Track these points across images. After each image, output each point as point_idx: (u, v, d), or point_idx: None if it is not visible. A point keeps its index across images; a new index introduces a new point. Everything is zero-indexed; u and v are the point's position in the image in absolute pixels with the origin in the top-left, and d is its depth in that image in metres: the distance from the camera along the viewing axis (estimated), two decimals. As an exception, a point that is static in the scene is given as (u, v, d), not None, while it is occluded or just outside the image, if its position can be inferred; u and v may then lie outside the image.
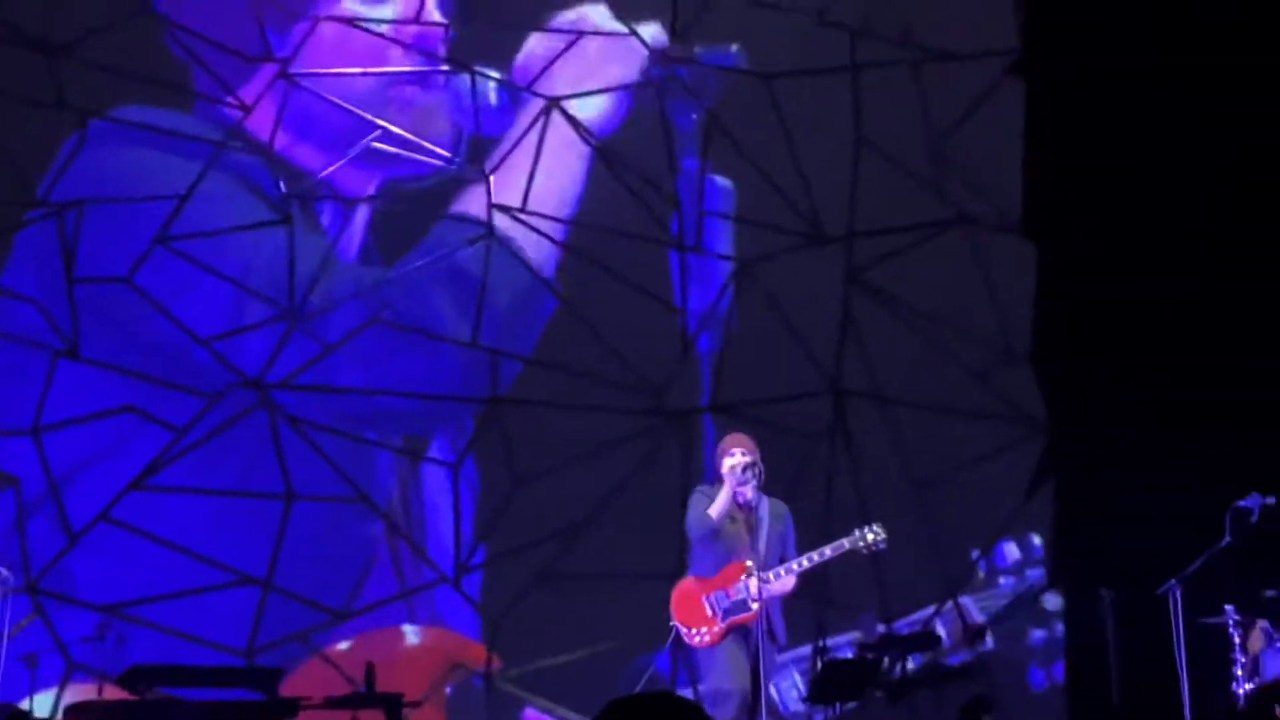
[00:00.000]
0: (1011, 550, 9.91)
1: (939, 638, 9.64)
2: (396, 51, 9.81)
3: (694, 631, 7.96)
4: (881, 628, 9.69)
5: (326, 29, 9.73)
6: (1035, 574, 9.87)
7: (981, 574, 9.90)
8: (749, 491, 8.05)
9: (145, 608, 9.22)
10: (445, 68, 9.87)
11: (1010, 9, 10.02)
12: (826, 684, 8.40)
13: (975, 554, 9.83)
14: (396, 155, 9.71)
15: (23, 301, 9.37)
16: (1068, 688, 9.74)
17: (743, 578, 7.89)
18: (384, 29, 9.79)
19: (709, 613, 7.93)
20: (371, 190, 9.84)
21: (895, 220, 9.97)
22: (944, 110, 10.03)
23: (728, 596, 7.93)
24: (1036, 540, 9.92)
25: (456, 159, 9.82)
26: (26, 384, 9.26)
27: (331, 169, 9.73)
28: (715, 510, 7.92)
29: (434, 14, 9.89)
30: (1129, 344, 9.78)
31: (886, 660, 8.84)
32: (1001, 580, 9.93)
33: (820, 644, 9.50)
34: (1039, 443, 9.92)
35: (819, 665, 9.25)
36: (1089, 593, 9.14)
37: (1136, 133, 9.90)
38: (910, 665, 8.96)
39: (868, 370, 9.96)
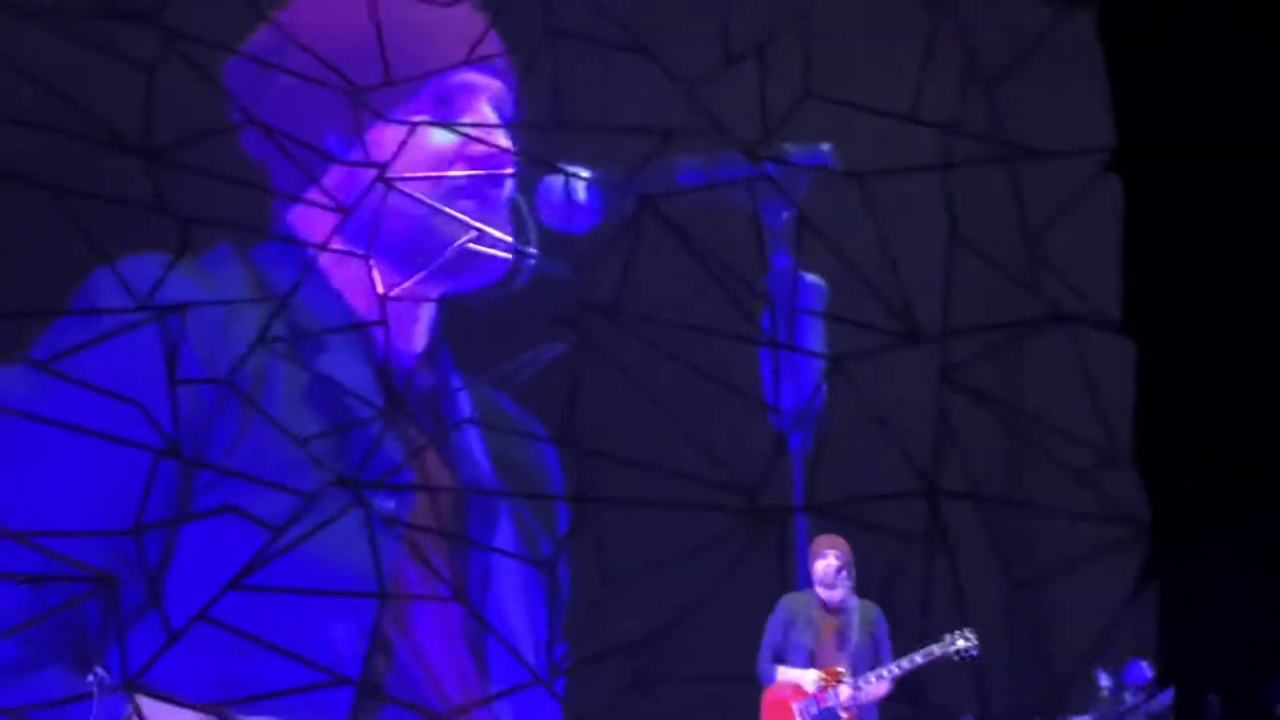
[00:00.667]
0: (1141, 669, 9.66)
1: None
2: (469, 153, 9.90)
3: (783, 739, 7.86)
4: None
5: (401, 132, 9.82)
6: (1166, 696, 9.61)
7: (1104, 692, 9.68)
8: (840, 594, 7.96)
9: (242, 707, 9.28)
10: (534, 166, 9.95)
11: (1104, 105, 9.95)
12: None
13: (1102, 677, 9.59)
14: (471, 257, 9.80)
15: (125, 402, 9.52)
16: (1175, 796, 9.48)
17: (833, 685, 7.77)
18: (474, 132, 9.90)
19: (798, 720, 7.84)
20: (441, 291, 9.89)
21: (991, 318, 9.90)
22: (1039, 207, 9.98)
23: (818, 704, 7.82)
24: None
25: (545, 258, 9.89)
26: (127, 484, 9.39)
27: (430, 269, 9.83)
28: (779, 675, 7.84)
29: (490, 116, 9.94)
30: (1233, 443, 9.58)
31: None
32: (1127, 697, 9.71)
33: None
34: (1142, 544, 9.73)
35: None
36: (1197, 698, 8.92)
37: (1236, 229, 9.76)
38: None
39: (964, 470, 9.85)
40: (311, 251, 9.78)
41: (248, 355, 9.60)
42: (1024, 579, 9.66)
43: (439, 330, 9.84)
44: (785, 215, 10.01)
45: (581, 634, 9.63)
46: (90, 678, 8.10)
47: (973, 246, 9.97)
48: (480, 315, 9.88)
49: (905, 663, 7.86)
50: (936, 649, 7.89)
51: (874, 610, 8.11)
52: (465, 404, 9.77)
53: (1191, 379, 9.77)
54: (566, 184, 9.92)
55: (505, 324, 9.86)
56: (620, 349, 9.86)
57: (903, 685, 8.16)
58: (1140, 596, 9.70)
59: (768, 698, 7.94)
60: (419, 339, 9.85)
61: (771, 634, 8.00)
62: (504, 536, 9.77)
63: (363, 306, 9.79)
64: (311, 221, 9.88)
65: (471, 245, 9.85)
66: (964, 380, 9.93)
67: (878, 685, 7.84)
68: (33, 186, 9.39)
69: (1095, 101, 10.04)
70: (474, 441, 9.77)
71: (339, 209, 9.84)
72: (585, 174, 9.97)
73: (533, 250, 9.90)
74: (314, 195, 9.84)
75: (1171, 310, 9.87)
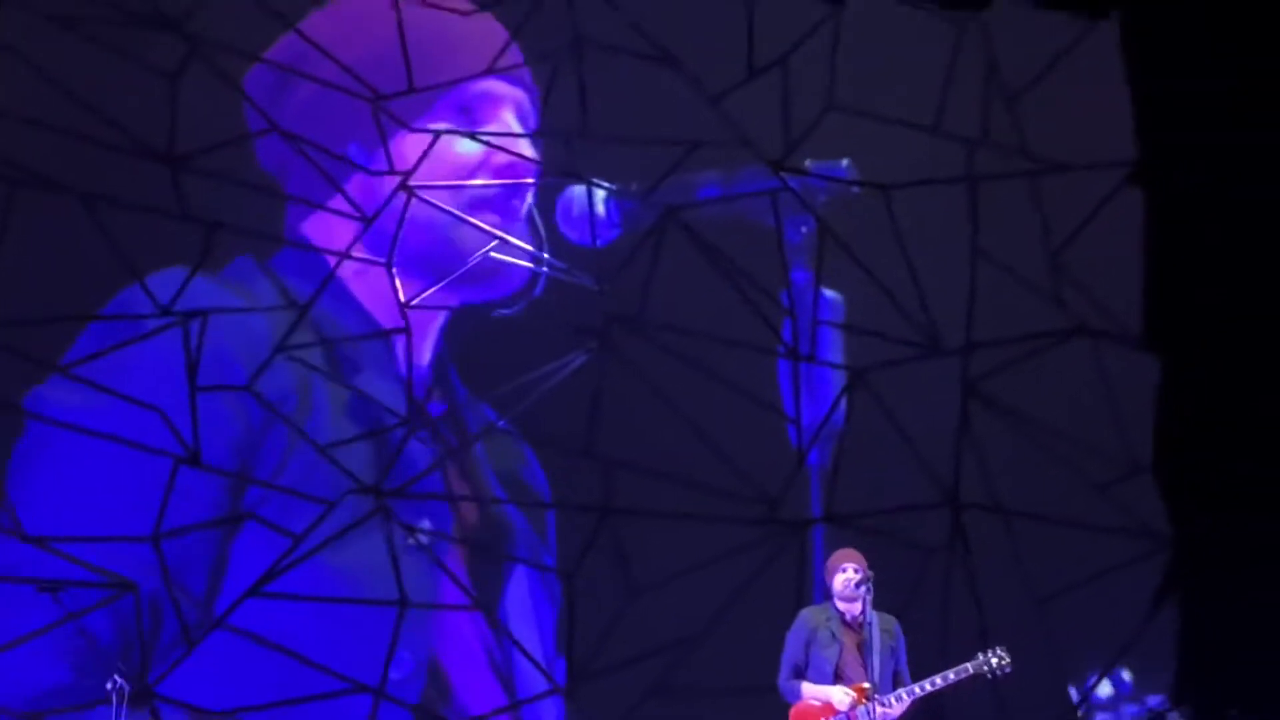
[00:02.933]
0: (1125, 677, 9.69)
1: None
2: (492, 163, 9.90)
3: (813, 756, 7.83)
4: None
5: (422, 141, 9.82)
6: (1155, 700, 9.62)
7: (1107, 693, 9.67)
8: (859, 607, 7.93)
9: (260, 714, 9.27)
10: (557, 177, 9.95)
11: (1128, 118, 9.96)
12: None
13: (1092, 680, 9.61)
14: (494, 266, 9.80)
15: (145, 409, 9.52)
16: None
17: (864, 702, 7.74)
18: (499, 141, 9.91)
19: (829, 736, 7.81)
20: (462, 300, 9.89)
21: (1013, 331, 9.90)
22: (1062, 220, 9.98)
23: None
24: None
25: (568, 269, 9.88)
26: (147, 490, 9.39)
27: (450, 279, 9.83)
28: (805, 691, 7.83)
29: (514, 125, 9.94)
30: (1253, 458, 9.59)
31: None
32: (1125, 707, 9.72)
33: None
34: (1163, 558, 9.72)
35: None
36: (1217, 713, 8.91)
37: (1258, 243, 9.77)
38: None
39: (986, 482, 9.84)
40: (333, 260, 9.79)
41: (268, 361, 9.62)
42: (1045, 593, 9.64)
43: (454, 341, 9.82)
44: (807, 228, 10.01)
45: (602, 645, 9.62)
46: (109, 685, 8.09)
47: (995, 260, 9.97)
48: (502, 324, 9.87)
49: (939, 679, 7.83)
50: (970, 666, 7.86)
51: (893, 623, 8.09)
52: (490, 413, 9.76)
53: (1212, 393, 9.78)
54: (589, 195, 9.91)
55: (530, 333, 9.85)
56: (642, 360, 9.85)
57: (922, 701, 8.15)
58: (1161, 610, 9.70)
59: (795, 714, 7.90)
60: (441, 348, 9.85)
61: (792, 649, 7.97)
62: (525, 547, 9.76)
63: (384, 315, 9.80)
64: (333, 230, 9.89)
65: (494, 254, 9.85)
66: (986, 393, 9.92)
67: (906, 701, 7.82)
68: (57, 192, 9.42)
69: (1118, 115, 10.06)
70: (500, 449, 9.77)
71: (361, 217, 9.85)
72: (608, 185, 9.95)
73: (556, 261, 9.89)
74: (337, 203, 9.85)
75: (1193, 325, 9.88)
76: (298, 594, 9.44)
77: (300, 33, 9.79)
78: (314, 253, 9.80)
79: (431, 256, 9.88)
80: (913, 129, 9.99)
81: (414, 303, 9.79)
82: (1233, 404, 9.75)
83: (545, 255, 9.87)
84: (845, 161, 10.05)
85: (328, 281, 9.72)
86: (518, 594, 9.71)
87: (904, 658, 8.00)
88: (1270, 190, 9.87)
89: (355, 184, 9.87)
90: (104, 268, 9.43)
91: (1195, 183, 9.95)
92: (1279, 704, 8.59)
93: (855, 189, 10.05)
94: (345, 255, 9.80)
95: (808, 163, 10.04)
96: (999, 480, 9.82)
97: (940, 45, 10.09)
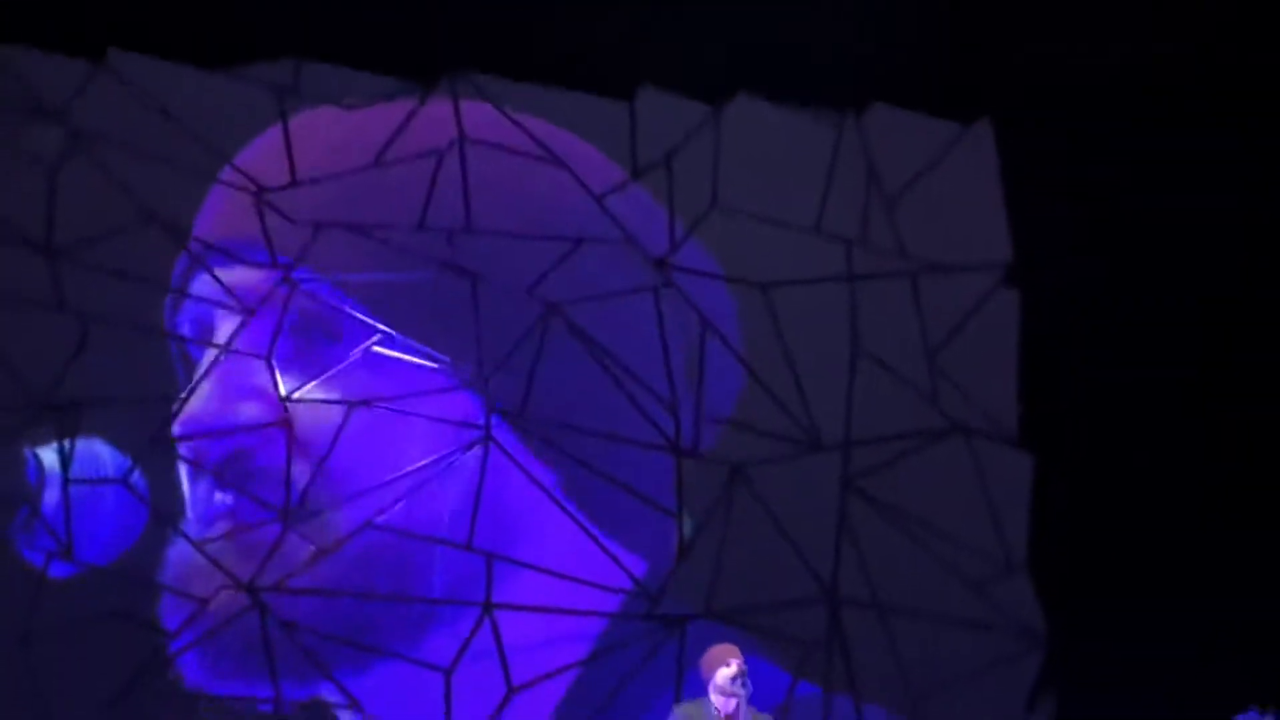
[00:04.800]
0: None
1: None
2: (377, 255, 9.91)
3: None
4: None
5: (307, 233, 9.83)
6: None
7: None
8: (734, 704, 7.92)
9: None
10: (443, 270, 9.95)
11: (1003, 222, 10.17)
12: None
13: None
14: (378, 360, 9.79)
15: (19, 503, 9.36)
16: None
17: (738, 803, 7.72)
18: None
19: (702, 835, 7.76)
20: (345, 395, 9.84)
21: (892, 429, 10.02)
22: (941, 320, 10.14)
23: (722, 820, 7.75)
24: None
25: (457, 364, 9.87)
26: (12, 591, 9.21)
27: (330, 373, 9.78)
28: None
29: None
30: (1127, 557, 9.75)
31: None
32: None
33: None
34: (1037, 656, 9.83)
35: None
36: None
37: (1132, 344, 9.99)
38: None
39: (865, 579, 9.91)
40: (213, 353, 9.72)
41: (144, 455, 9.51)
42: (922, 689, 9.70)
43: (343, 432, 9.76)
44: (690, 325, 10.08)
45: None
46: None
47: (875, 358, 10.10)
48: (385, 418, 9.82)
49: (813, 778, 7.84)
50: (842, 765, 7.88)
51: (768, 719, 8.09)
52: (368, 506, 9.69)
53: (1087, 492, 9.95)
54: (474, 287, 9.92)
55: (412, 428, 9.81)
56: (521, 454, 9.85)
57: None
58: (1036, 709, 9.79)
59: (670, 812, 7.88)
60: (321, 442, 9.76)
61: None
62: (404, 642, 9.67)
63: (265, 409, 9.72)
64: (213, 322, 9.83)
65: (377, 349, 9.83)
66: (865, 489, 10.02)
67: (783, 800, 7.82)
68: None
69: (993, 216, 10.27)
70: (380, 544, 9.69)
71: (243, 309, 9.79)
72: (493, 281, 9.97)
73: (438, 354, 9.88)
74: (217, 295, 9.78)
75: (1067, 423, 10.06)
76: (171, 694, 9.30)
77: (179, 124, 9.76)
78: (196, 344, 9.74)
79: (317, 349, 9.83)
80: (794, 229, 10.13)
81: (294, 396, 9.73)
82: (1107, 502, 9.92)
83: (434, 352, 9.86)
84: (729, 256, 10.15)
85: (204, 375, 9.65)
86: (397, 692, 9.61)
87: (781, 758, 8.01)
88: (1143, 291, 10.11)
89: (237, 276, 9.82)
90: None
91: (1069, 283, 10.17)
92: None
93: (737, 286, 10.15)
94: (225, 348, 9.74)
95: (693, 258, 10.15)
96: (877, 576, 9.90)
97: (821, 146, 10.26)
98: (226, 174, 9.82)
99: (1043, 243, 10.18)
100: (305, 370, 9.79)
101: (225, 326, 9.77)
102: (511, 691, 9.57)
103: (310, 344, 9.83)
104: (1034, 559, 9.95)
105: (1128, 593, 9.66)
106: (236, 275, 9.80)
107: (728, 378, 10.11)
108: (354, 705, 9.51)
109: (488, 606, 9.66)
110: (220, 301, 9.76)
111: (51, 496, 9.40)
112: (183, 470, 9.60)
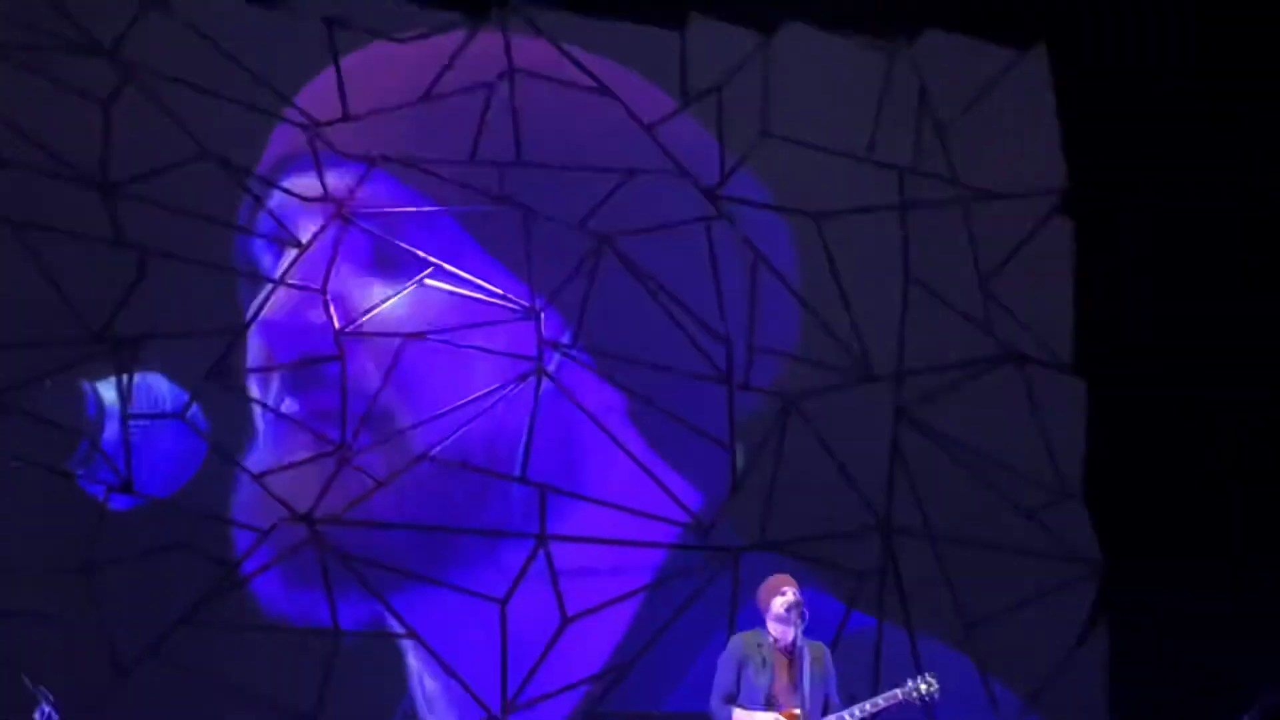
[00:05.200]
0: None
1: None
2: (429, 190, 9.92)
3: (740, 784, 7.86)
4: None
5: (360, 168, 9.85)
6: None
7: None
8: (792, 633, 7.98)
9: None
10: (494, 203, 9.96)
11: (1058, 149, 10.08)
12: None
13: None
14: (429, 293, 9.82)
15: (75, 436, 9.48)
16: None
17: (790, 729, 7.79)
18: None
19: (760, 763, 7.85)
20: (398, 327, 9.88)
21: (945, 358, 9.99)
22: (993, 247, 10.09)
23: (775, 747, 7.83)
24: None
25: (509, 297, 9.90)
26: (75, 523, 9.35)
27: (384, 305, 9.83)
28: (736, 717, 7.86)
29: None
30: (1182, 482, 9.71)
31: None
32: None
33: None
34: (1092, 583, 9.83)
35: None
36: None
37: (1184, 268, 9.91)
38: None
39: (918, 508, 9.92)
40: (268, 286, 9.78)
41: (202, 389, 9.61)
42: (975, 618, 9.72)
43: (389, 368, 9.81)
44: (741, 255, 10.07)
45: (535, 672, 9.63)
46: (37, 715, 8.02)
47: (927, 286, 10.07)
48: (439, 352, 9.87)
49: (868, 705, 7.87)
50: (899, 692, 7.90)
51: (823, 650, 8.12)
52: (423, 439, 9.76)
53: (1141, 418, 9.90)
54: (525, 220, 9.93)
55: (465, 360, 9.86)
56: (578, 386, 9.89)
57: (854, 726, 8.22)
58: (1091, 636, 9.80)
59: (723, 740, 7.95)
60: (376, 374, 9.83)
61: (723, 674, 8.00)
62: (460, 573, 9.76)
63: (321, 342, 9.79)
64: (268, 256, 9.89)
65: (429, 282, 9.87)
66: (917, 419, 10.01)
67: (834, 728, 7.87)
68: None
69: (1047, 143, 10.19)
70: (435, 476, 9.76)
71: (296, 244, 9.84)
72: (549, 215, 9.97)
73: (491, 288, 9.90)
74: (271, 229, 9.84)
75: (1121, 349, 10.01)
76: (230, 624, 9.43)
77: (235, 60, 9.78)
78: (251, 279, 9.80)
79: (369, 282, 9.88)
80: (845, 157, 10.08)
81: (349, 330, 9.79)
82: (1160, 428, 9.87)
83: (485, 284, 9.89)
84: (781, 186, 10.12)
85: (261, 308, 9.73)
86: (453, 622, 9.71)
87: (834, 685, 8.04)
88: (1198, 216, 10.01)
89: (294, 210, 9.87)
90: (37, 295, 9.39)
91: (1123, 209, 10.08)
92: (1205, 725, 8.71)
93: (788, 216, 10.12)
94: (280, 282, 9.80)
95: (744, 187, 10.12)
96: (930, 505, 9.91)
97: (872, 73, 10.19)
98: (280, 108, 9.86)
99: (1097, 169, 10.09)
100: (361, 304, 9.86)
101: (281, 260, 9.84)
102: (566, 621, 9.68)
103: (365, 278, 9.89)
104: (1089, 487, 9.93)
105: (1184, 521, 9.63)
106: (292, 209, 9.85)
107: (779, 308, 10.11)
108: (412, 634, 9.62)
109: (542, 538, 9.74)
110: (276, 235, 9.82)
111: (111, 430, 9.53)
112: (240, 404, 9.70)
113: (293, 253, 9.80)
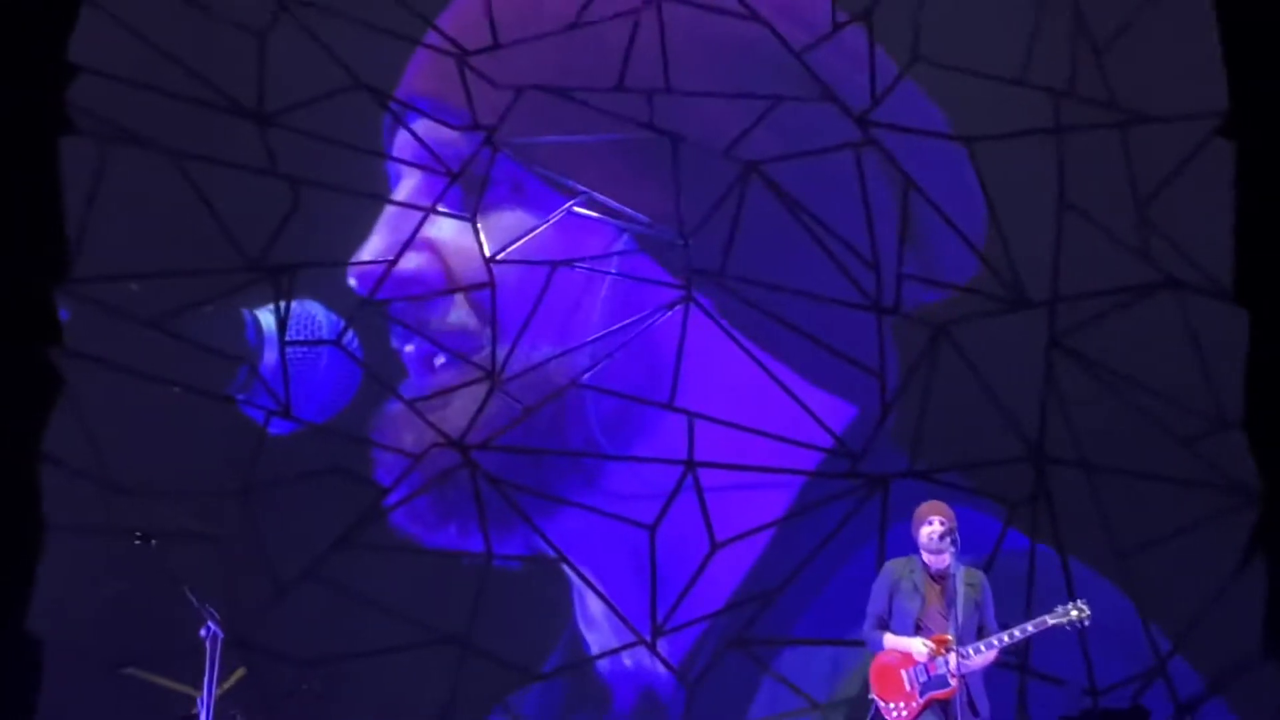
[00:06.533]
0: None
1: (1147, 712, 9.39)
2: (594, 118, 9.93)
3: (892, 706, 7.84)
4: (1087, 701, 9.48)
5: (509, 96, 9.88)
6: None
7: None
8: (945, 560, 7.94)
9: (346, 664, 9.43)
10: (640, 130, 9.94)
11: (1218, 69, 9.80)
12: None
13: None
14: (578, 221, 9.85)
15: (234, 362, 9.67)
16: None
17: (943, 654, 7.75)
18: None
19: (908, 687, 7.82)
20: (547, 256, 9.92)
21: (1100, 285, 9.81)
22: (1151, 172, 9.86)
23: (927, 671, 7.80)
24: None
25: (656, 224, 9.90)
26: (235, 447, 9.55)
27: (533, 232, 9.89)
28: (887, 642, 7.86)
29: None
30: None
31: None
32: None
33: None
34: (1251, 514, 9.63)
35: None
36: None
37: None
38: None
39: (1071, 437, 9.78)
40: (419, 215, 9.88)
41: (356, 316, 9.76)
42: (1129, 547, 9.58)
43: (538, 297, 9.87)
44: (891, 181, 9.96)
45: (684, 597, 9.68)
46: (203, 631, 8.21)
47: (1082, 211, 9.88)
48: (585, 279, 9.91)
49: (1017, 632, 7.82)
50: (1049, 619, 7.83)
51: (979, 576, 8.08)
52: (572, 366, 9.82)
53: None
54: (674, 147, 9.90)
55: (613, 288, 9.88)
56: (726, 313, 9.87)
57: (1009, 652, 8.16)
58: (1249, 565, 9.61)
59: (876, 664, 7.93)
60: (526, 302, 9.90)
61: (876, 600, 7.99)
62: (607, 499, 9.83)
63: (471, 270, 9.87)
64: (419, 185, 9.98)
65: (577, 209, 9.90)
66: (1071, 347, 9.85)
67: (986, 653, 7.82)
68: (148, 149, 9.57)
69: (1207, 65, 9.90)
70: (583, 403, 9.82)
71: (447, 173, 9.92)
72: (695, 140, 9.93)
73: (639, 215, 9.91)
74: (422, 158, 9.93)
75: (1285, 277, 9.75)
76: (384, 546, 9.59)
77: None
78: (402, 207, 9.90)
79: (515, 212, 9.94)
80: (999, 81, 9.90)
81: (499, 257, 9.87)
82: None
83: (633, 213, 9.89)
84: (935, 111, 9.98)
85: (413, 236, 9.84)
86: (601, 547, 9.79)
87: (991, 612, 7.99)
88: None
89: (443, 139, 9.94)
90: (195, 223, 9.58)
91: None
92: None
93: (940, 142, 9.99)
94: (431, 209, 9.90)
95: (892, 116, 10.00)
96: (1084, 435, 9.76)
97: (1026, -4, 10.00)
98: (430, 37, 9.92)
99: (1261, 90, 9.80)
100: (509, 231, 9.92)
101: (431, 188, 9.92)
102: (716, 547, 9.70)
103: (513, 205, 9.95)
104: (1248, 416, 9.70)
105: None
106: (441, 137, 9.93)
107: (930, 234, 9.99)
108: (562, 559, 9.71)
109: (691, 464, 9.77)
110: (425, 164, 9.91)
111: (270, 356, 9.72)
112: (393, 331, 9.84)
113: (443, 181, 9.89)
